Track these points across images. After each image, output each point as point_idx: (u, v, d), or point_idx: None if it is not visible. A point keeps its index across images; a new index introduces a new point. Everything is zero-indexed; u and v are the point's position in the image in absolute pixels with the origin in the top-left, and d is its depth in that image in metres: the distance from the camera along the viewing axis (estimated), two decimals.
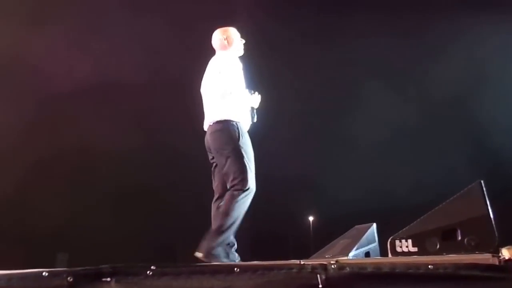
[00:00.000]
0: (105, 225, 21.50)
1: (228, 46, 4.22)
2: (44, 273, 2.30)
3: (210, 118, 3.96)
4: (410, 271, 2.64)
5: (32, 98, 18.18)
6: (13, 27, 15.03)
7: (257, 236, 25.71)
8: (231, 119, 3.97)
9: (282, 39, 21.82)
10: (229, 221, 3.77)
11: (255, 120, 4.24)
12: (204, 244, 3.80)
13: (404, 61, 21.15)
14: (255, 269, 2.89)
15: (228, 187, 3.88)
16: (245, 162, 3.82)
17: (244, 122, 4.09)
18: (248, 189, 3.81)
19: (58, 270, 2.32)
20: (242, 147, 3.95)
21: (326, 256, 4.77)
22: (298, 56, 23.00)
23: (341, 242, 5.19)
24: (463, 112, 21.42)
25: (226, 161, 3.86)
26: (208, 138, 3.98)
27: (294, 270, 2.92)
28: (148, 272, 2.43)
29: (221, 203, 3.93)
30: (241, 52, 4.28)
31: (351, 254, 4.77)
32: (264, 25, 18.41)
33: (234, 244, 3.96)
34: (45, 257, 21.71)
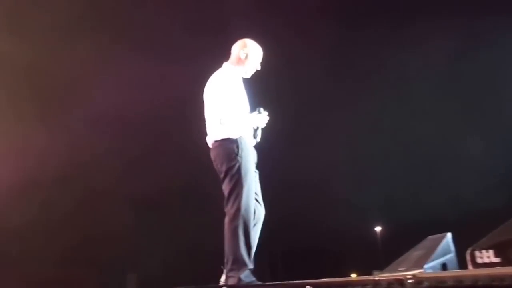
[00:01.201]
0: (170, 247, 21.87)
1: (242, 61, 3.98)
2: None
3: (210, 136, 3.87)
4: (494, 283, 2.46)
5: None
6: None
7: (323, 250, 25.42)
8: (230, 137, 3.80)
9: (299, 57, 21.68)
10: (242, 247, 3.61)
11: (258, 139, 4.04)
12: (229, 281, 3.60)
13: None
14: (328, 286, 2.79)
15: (226, 207, 3.74)
16: (241, 181, 3.66)
17: (243, 142, 3.87)
18: (242, 212, 3.61)
19: None
20: (240, 163, 3.73)
21: (400, 269, 4.56)
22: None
23: (414, 254, 4.94)
24: None
25: (223, 181, 3.76)
26: (211, 156, 3.91)
27: (369, 287, 2.80)
28: None
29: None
30: (251, 72, 4.02)
31: (426, 266, 4.54)
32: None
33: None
34: (115, 278, 22.39)
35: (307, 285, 2.68)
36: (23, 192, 17.11)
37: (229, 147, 3.76)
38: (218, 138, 3.81)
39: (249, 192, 3.72)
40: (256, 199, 3.89)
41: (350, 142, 26.41)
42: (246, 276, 3.57)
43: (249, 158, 3.80)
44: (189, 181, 21.70)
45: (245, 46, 4.01)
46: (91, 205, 20.87)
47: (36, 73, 16.61)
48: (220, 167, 3.79)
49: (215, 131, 3.84)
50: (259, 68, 4.05)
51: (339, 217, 26.38)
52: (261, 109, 3.95)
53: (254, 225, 3.87)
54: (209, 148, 3.93)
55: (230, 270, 3.61)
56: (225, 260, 3.69)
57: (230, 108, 3.81)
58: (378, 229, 32.02)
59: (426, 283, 2.57)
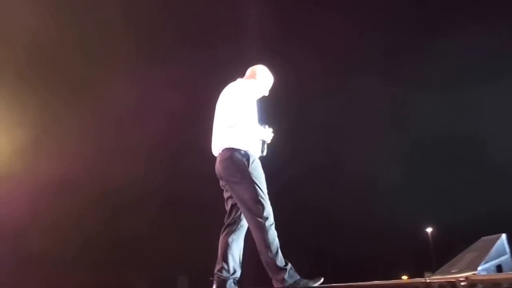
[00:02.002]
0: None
1: (255, 80, 4.21)
2: None
3: (219, 144, 3.90)
4: None
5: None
6: None
7: (374, 252, 25.07)
8: (239, 147, 3.87)
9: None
10: (274, 251, 3.69)
11: (264, 153, 4.12)
12: (275, 284, 3.70)
13: None
14: None
15: (246, 215, 3.83)
16: (257, 188, 3.81)
17: (253, 151, 3.95)
18: (268, 218, 3.77)
19: None
20: (252, 174, 3.82)
21: (452, 271, 4.47)
22: None
23: (467, 255, 4.83)
24: None
25: (238, 189, 3.83)
26: (218, 166, 3.94)
27: None
28: None
29: (235, 233, 3.86)
30: (259, 95, 4.20)
31: (480, 268, 4.42)
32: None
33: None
34: (167, 280, 22.75)
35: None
36: (73, 193, 17.57)
37: (240, 157, 3.85)
38: (228, 146, 3.89)
39: (267, 197, 3.83)
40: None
41: (400, 143, 26.05)
42: (289, 276, 3.64)
43: (259, 168, 3.92)
44: None
45: (260, 70, 4.22)
46: (142, 207, 21.32)
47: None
48: (234, 174, 3.86)
49: (225, 139, 3.92)
50: (266, 94, 4.23)
51: (390, 219, 25.99)
52: (266, 126, 4.05)
53: (233, 233, 3.92)
54: (214, 156, 4.04)
55: (277, 274, 3.68)
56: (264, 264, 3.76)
57: (247, 115, 3.93)
58: (429, 230, 31.30)
59: (480, 286, 2.53)
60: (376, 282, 3.14)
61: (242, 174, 3.78)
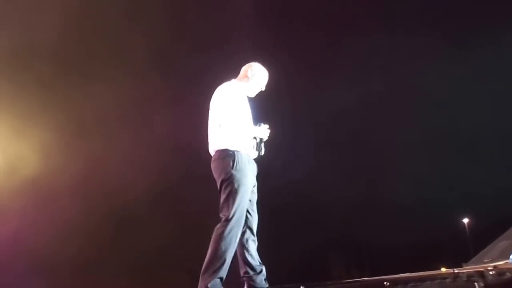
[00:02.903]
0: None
1: (249, 80, 4.18)
2: None
3: (211, 146, 3.97)
4: None
5: None
6: None
7: (409, 245, 24.79)
8: (229, 148, 3.86)
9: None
10: (218, 259, 3.64)
11: (262, 153, 4.09)
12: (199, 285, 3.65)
13: None
14: (406, 281, 2.80)
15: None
16: (233, 194, 3.77)
17: (244, 151, 3.93)
18: (229, 220, 3.71)
19: None
20: (235, 177, 3.74)
21: (485, 261, 4.44)
22: None
23: (500, 244, 4.79)
24: None
25: (219, 192, 3.83)
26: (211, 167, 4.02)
27: (449, 280, 2.78)
28: None
29: (246, 233, 3.87)
30: (256, 92, 4.21)
31: None
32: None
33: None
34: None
35: (385, 281, 2.71)
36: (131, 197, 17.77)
37: (226, 160, 3.85)
38: (217, 148, 3.92)
39: (240, 204, 3.77)
40: (251, 209, 3.93)
41: (435, 130, 25.75)
42: (213, 285, 3.62)
43: (245, 172, 3.85)
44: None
45: (253, 67, 4.17)
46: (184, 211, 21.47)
47: None
48: (217, 179, 3.89)
49: (215, 140, 3.97)
50: (263, 89, 4.20)
51: (426, 210, 25.62)
52: (261, 124, 4.06)
53: (244, 232, 3.91)
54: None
55: (202, 274, 3.67)
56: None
57: (231, 115, 3.93)
58: (465, 220, 30.77)
59: (508, 275, 2.53)
60: (403, 274, 3.15)
61: (225, 175, 3.77)
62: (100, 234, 17.72)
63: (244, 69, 4.24)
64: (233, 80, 4.18)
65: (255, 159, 4.03)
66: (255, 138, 4.02)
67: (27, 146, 14.17)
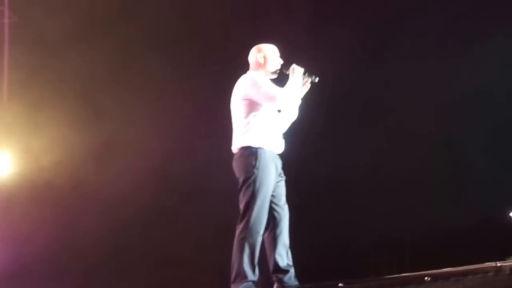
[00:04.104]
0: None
1: (263, 64, 3.95)
2: None
3: (234, 144, 3.85)
4: None
5: None
6: None
7: (457, 238, 24.23)
8: (251, 145, 3.76)
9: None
10: (246, 264, 3.54)
11: (315, 78, 3.95)
12: None
13: None
14: (447, 276, 2.77)
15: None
16: (254, 194, 3.64)
17: (269, 148, 3.80)
18: (250, 221, 3.60)
19: None
20: (257, 176, 3.62)
21: None
22: None
23: None
24: None
25: (239, 191, 3.71)
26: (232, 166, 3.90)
27: (491, 274, 2.73)
28: None
29: (275, 230, 3.78)
30: (276, 71, 3.96)
31: None
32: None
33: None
34: None
35: (426, 276, 2.70)
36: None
37: (248, 158, 3.74)
38: (240, 146, 3.81)
39: (262, 205, 3.67)
40: (277, 204, 3.79)
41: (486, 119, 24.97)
42: (245, 287, 3.57)
43: (268, 170, 3.74)
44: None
45: (259, 50, 3.96)
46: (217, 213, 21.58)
47: None
48: (239, 178, 3.82)
49: (238, 137, 3.88)
50: (281, 62, 3.95)
51: (471, 202, 24.96)
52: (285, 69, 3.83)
53: (272, 230, 3.82)
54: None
55: (233, 282, 3.61)
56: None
57: (258, 108, 3.74)
58: None
59: None
60: (444, 269, 3.13)
61: (246, 174, 3.65)
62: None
63: (251, 57, 4.01)
64: (249, 72, 3.95)
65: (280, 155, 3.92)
66: (304, 75, 3.90)
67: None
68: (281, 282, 3.83)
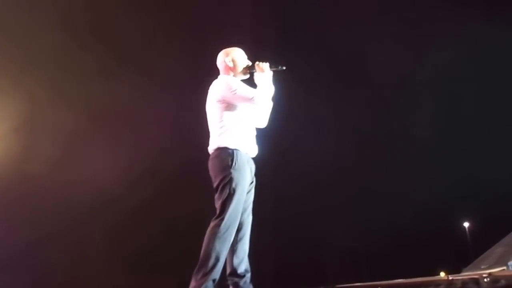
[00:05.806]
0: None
1: (233, 68, 4.08)
2: None
3: (210, 144, 3.94)
4: None
5: None
6: None
7: (410, 248, 24.72)
8: (228, 146, 3.82)
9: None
10: (212, 260, 3.59)
11: (281, 67, 4.03)
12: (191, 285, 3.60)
13: None
14: (399, 287, 2.76)
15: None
16: (230, 194, 3.74)
17: (244, 150, 3.88)
18: (225, 220, 3.68)
19: None
20: (233, 176, 3.72)
21: (482, 267, 4.40)
22: None
23: (497, 250, 4.74)
24: None
25: (215, 191, 3.79)
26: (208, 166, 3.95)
27: (442, 287, 2.75)
28: None
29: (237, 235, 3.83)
30: (246, 72, 4.12)
31: (510, 263, 4.34)
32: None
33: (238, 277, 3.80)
34: None
35: (378, 286, 2.68)
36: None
37: (224, 158, 3.78)
38: (217, 146, 3.86)
39: (237, 205, 3.75)
40: (245, 210, 3.90)
41: (438, 136, 25.72)
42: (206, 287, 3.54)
43: (243, 171, 3.82)
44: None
45: (227, 54, 4.07)
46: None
47: None
48: (214, 178, 3.84)
49: (214, 137, 3.92)
50: (250, 63, 4.09)
51: (426, 214, 25.56)
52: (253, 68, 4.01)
53: (235, 234, 3.78)
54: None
55: (195, 273, 3.60)
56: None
57: (232, 110, 3.86)
58: (466, 225, 30.66)
59: (503, 282, 2.49)
60: (397, 280, 3.12)
61: (221, 177, 3.73)
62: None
63: (220, 62, 4.09)
64: (221, 76, 4.05)
65: (253, 158, 3.99)
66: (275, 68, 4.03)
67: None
68: (236, 286, 3.79)
